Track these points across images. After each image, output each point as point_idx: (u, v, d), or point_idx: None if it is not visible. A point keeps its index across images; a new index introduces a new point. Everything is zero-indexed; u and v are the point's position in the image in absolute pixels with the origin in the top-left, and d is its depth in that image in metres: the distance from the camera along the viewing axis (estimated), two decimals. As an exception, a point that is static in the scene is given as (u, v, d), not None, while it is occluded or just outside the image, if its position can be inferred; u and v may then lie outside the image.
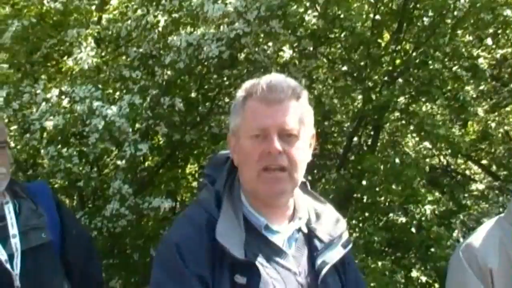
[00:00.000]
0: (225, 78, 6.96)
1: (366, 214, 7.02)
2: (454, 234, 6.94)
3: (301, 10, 6.33)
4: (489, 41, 7.09)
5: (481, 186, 8.42)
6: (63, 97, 6.03)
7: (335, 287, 1.98)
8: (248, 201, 1.92)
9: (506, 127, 8.81)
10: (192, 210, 1.98)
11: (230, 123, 1.96)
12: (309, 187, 2.09)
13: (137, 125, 6.21)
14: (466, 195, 7.93)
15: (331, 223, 2.04)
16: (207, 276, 1.80)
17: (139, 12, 6.46)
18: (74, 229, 3.17)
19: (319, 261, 1.94)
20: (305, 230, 1.99)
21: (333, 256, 1.97)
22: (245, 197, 1.93)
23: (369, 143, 7.34)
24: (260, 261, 1.85)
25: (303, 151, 1.89)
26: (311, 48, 6.65)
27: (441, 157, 8.65)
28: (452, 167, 9.08)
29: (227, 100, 7.12)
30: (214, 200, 1.90)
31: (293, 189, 1.93)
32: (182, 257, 1.80)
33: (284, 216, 1.96)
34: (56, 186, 6.49)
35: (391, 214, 7.06)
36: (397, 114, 7.03)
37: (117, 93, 6.55)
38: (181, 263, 1.80)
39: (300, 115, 1.89)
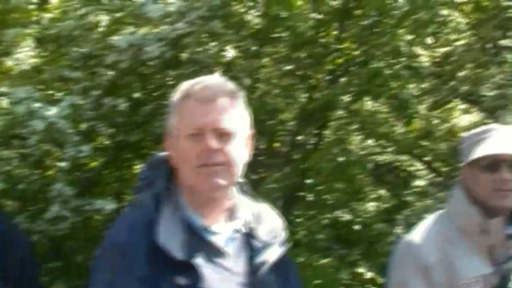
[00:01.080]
0: (169, 78, 6.91)
1: (311, 212, 7.07)
2: (398, 231, 7.06)
3: (243, 10, 6.33)
4: (428, 40, 7.22)
5: (422, 183, 8.57)
6: (2, 98, 5.91)
7: (273, 286, 2.00)
8: (187, 202, 1.93)
9: (447, 124, 8.98)
10: (130, 213, 1.98)
11: (167, 124, 1.97)
12: (245, 188, 2.09)
13: (81, 126, 6.13)
14: (408, 191, 8.06)
15: (269, 222, 2.06)
16: (148, 278, 1.79)
17: (81, 11, 6.37)
18: (10, 232, 3.13)
19: (258, 261, 1.96)
20: (244, 230, 2.01)
21: (271, 255, 1.99)
22: (184, 198, 1.93)
23: (314, 141, 7.39)
24: (200, 262, 1.86)
25: (239, 150, 1.92)
26: (255, 48, 6.66)
27: (385, 155, 8.77)
28: (397, 164, 9.21)
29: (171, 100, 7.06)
30: (152, 202, 1.90)
31: (231, 183, 1.95)
32: (122, 260, 1.81)
33: (223, 217, 1.98)
34: (-6, 189, 6.34)
35: (336, 212, 7.14)
36: (340, 112, 7.10)
37: (59, 94, 6.44)
38: (122, 266, 1.80)
39: (235, 115, 1.92)
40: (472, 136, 2.50)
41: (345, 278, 6.70)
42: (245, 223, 2.02)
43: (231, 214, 2.00)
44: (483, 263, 2.42)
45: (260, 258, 1.97)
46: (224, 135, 1.88)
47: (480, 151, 2.40)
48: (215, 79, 1.96)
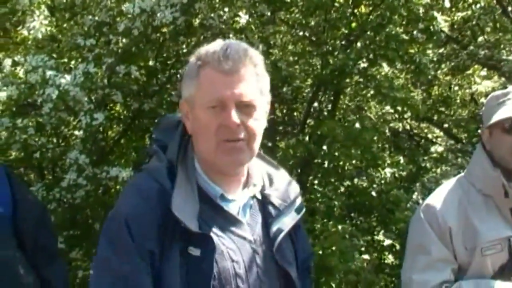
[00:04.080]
0: (183, 46, 6.88)
1: (327, 179, 7.04)
2: (414, 197, 7.02)
3: (256, -26, 6.27)
4: (446, 3, 7.08)
5: (440, 149, 8.50)
6: (17, 67, 5.93)
7: (289, 253, 1.98)
8: (203, 170, 1.88)
9: (467, 90, 8.87)
10: (141, 180, 1.89)
11: (182, 90, 1.91)
12: (261, 153, 2.06)
13: (95, 94, 6.14)
14: (426, 157, 8.00)
15: (284, 188, 2.03)
16: (156, 251, 1.75)
17: (93, -21, 6.34)
18: (25, 201, 3.19)
19: (274, 228, 1.94)
20: (259, 197, 1.98)
21: (287, 222, 1.96)
22: (199, 166, 1.89)
23: (330, 108, 7.33)
24: (215, 231, 1.82)
25: (260, 121, 1.88)
26: (268, 13, 6.59)
27: (403, 121, 8.70)
28: (415, 131, 9.14)
29: (186, 67, 7.05)
30: (165, 169, 1.84)
31: (251, 158, 1.91)
32: (130, 232, 1.75)
33: (239, 184, 1.94)
34: (11, 158, 6.40)
35: (352, 179, 7.10)
36: (356, 78, 7.03)
37: (72, 62, 6.44)
38: (129, 238, 1.75)
39: (257, 84, 1.86)
40: (493, 99, 2.47)
41: (361, 244, 6.68)
42: (260, 189, 1.99)
43: (246, 180, 1.96)
44: (505, 226, 2.40)
45: (276, 226, 1.94)
46: (246, 108, 1.82)
47: (501, 113, 2.37)
48: (235, 45, 1.86)
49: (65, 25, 6.79)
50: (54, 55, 6.05)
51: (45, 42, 6.29)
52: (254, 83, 1.84)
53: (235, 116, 1.78)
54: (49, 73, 5.61)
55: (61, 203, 6.13)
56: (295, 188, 2.07)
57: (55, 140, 6.52)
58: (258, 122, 1.86)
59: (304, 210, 2.05)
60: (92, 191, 6.13)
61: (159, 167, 1.85)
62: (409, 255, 2.52)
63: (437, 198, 2.49)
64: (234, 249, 1.84)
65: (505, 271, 2.37)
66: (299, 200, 2.04)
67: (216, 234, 1.81)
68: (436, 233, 2.40)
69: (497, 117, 2.38)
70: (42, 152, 5.94)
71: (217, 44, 1.86)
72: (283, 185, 2.03)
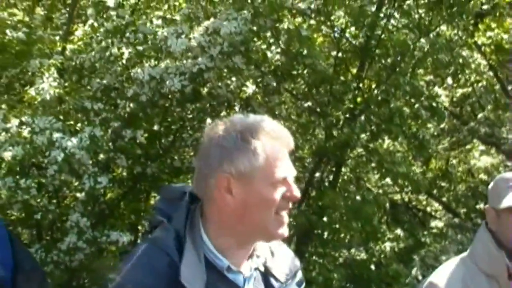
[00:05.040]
0: (188, 112, 6.95)
1: (326, 250, 7.01)
2: (413, 272, 6.98)
3: (264, 46, 6.38)
4: (449, 80, 7.22)
5: (440, 224, 8.50)
6: (23, 127, 5.96)
7: None
8: (210, 241, 1.86)
9: (466, 165, 8.94)
10: (149, 252, 1.84)
11: (228, 163, 1.83)
12: None
13: (99, 157, 6.16)
14: (425, 232, 7.99)
15: (286, 261, 2.03)
16: None
17: (103, 43, 6.44)
18: (27, 265, 3.12)
19: None
20: (262, 269, 1.96)
21: None
22: (207, 236, 1.87)
23: (331, 179, 7.36)
24: None
25: None
26: (275, 84, 6.69)
27: (403, 194, 8.72)
28: (414, 203, 9.16)
29: (190, 133, 7.11)
30: (173, 240, 1.82)
31: None
32: None
33: (245, 256, 1.93)
34: (12, 218, 6.37)
35: (351, 250, 7.07)
36: (359, 150, 7.08)
37: (78, 124, 6.48)
38: None
39: None
40: (503, 181, 2.47)
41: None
42: (263, 261, 1.98)
43: (251, 252, 1.96)
44: None
45: None
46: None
47: None
48: (282, 127, 1.88)
49: (72, 87, 6.85)
50: (61, 117, 6.08)
51: (53, 104, 6.33)
52: None
53: (296, 188, 1.84)
54: (55, 135, 5.64)
55: (59, 265, 6.07)
56: (296, 262, 2.06)
57: (55, 201, 6.49)
58: None
59: (304, 284, 2.06)
60: (91, 254, 6.07)
61: (166, 238, 1.83)
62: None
63: (441, 276, 2.48)
64: None
65: None
66: (300, 274, 2.05)
67: None
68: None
69: (508, 202, 2.39)
70: (42, 213, 5.90)
71: (266, 123, 1.85)
72: (284, 258, 2.03)
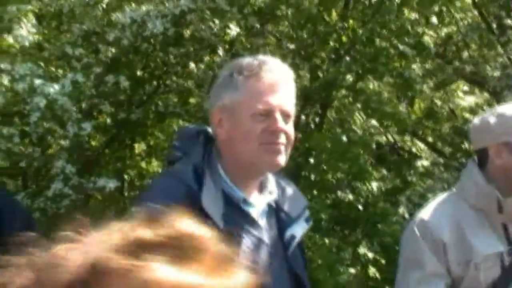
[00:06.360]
0: (171, 56, 6.85)
1: (314, 192, 7.03)
2: (400, 210, 7.04)
3: (247, -13, 6.27)
4: (434, 19, 7.15)
5: (426, 163, 8.55)
6: (3, 75, 5.85)
7: (301, 260, 2.10)
8: (227, 175, 1.97)
9: (451, 105, 8.94)
10: (167, 182, 1.97)
11: (215, 99, 2.01)
12: None
13: (82, 104, 6.08)
14: (411, 172, 8.04)
15: (295, 199, 2.14)
16: None
17: (81, -12, 6.29)
18: (10, 210, 3.11)
19: (288, 234, 2.04)
20: (273, 204, 2.07)
21: (299, 230, 2.08)
22: (223, 172, 1.97)
23: (317, 121, 7.34)
24: (238, 232, 1.89)
25: (293, 131, 2.01)
26: (258, 26, 6.60)
27: (388, 135, 8.73)
28: (399, 144, 9.18)
29: (174, 78, 7.03)
30: (192, 172, 1.92)
31: (285, 163, 2.00)
32: None
33: (256, 191, 2.04)
34: (-4, 166, 6.31)
35: (338, 192, 7.10)
36: (344, 92, 7.04)
37: (60, 71, 6.38)
38: None
39: (293, 97, 2.01)
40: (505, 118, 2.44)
41: (347, 258, 6.68)
42: (275, 198, 2.09)
43: (262, 188, 2.06)
44: (498, 241, 2.41)
45: (289, 232, 2.05)
46: (286, 117, 1.95)
47: None
48: (275, 61, 2.02)
49: (51, 34, 6.72)
50: (41, 64, 5.97)
51: (32, 51, 6.21)
52: (291, 95, 2.00)
53: (281, 123, 1.91)
54: (36, 82, 5.55)
55: (45, 212, 6.04)
56: (303, 199, 2.20)
57: (39, 149, 6.42)
58: (293, 130, 2.00)
59: (311, 221, 2.17)
60: (77, 200, 6.05)
61: (185, 170, 1.94)
62: (403, 269, 2.52)
63: (430, 213, 2.49)
64: (253, 250, 1.94)
65: (497, 286, 2.39)
66: (307, 211, 2.15)
67: (238, 234, 1.89)
68: (430, 247, 2.40)
69: None
70: (27, 160, 5.85)
71: (254, 59, 2.00)
72: (293, 195, 2.14)
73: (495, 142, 2.44)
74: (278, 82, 1.95)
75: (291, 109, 1.98)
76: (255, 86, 1.95)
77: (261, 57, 2.04)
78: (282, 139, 1.94)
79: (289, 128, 1.97)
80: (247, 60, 2.02)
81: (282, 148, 1.95)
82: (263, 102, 1.93)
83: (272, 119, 1.92)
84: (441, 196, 2.60)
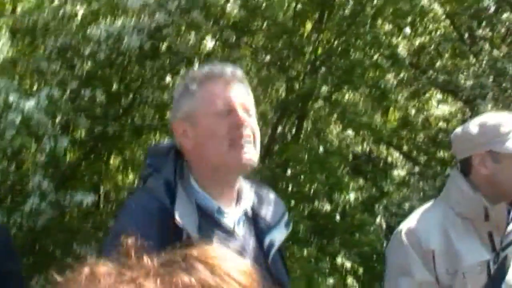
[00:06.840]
0: (147, 70, 6.84)
1: (292, 203, 7.05)
2: (377, 220, 7.08)
3: (222, 1, 6.28)
4: (407, 30, 7.23)
5: (402, 173, 8.61)
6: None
7: (281, 267, 2.06)
8: (200, 186, 1.96)
9: (425, 113, 9.02)
10: (141, 198, 1.98)
11: (175, 111, 2.02)
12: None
13: (58, 119, 6.04)
14: (388, 181, 8.10)
15: (273, 204, 2.12)
16: None
17: (56, 1, 6.26)
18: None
19: (267, 241, 2.02)
20: (250, 212, 2.06)
21: (278, 235, 2.05)
22: (196, 182, 1.97)
23: (293, 132, 7.37)
24: (213, 243, 1.82)
25: (257, 125, 2.00)
26: (234, 39, 6.62)
27: (364, 145, 8.79)
28: (375, 154, 9.25)
29: (150, 91, 7.01)
30: (163, 187, 1.92)
31: (257, 162, 1.98)
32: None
33: (232, 199, 2.02)
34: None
35: (316, 202, 7.12)
36: (320, 103, 7.08)
37: (35, 86, 6.33)
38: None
39: (250, 94, 2.02)
40: (498, 126, 2.45)
41: (325, 268, 6.70)
42: (251, 205, 2.07)
43: (238, 196, 2.05)
44: (484, 249, 2.43)
45: (268, 239, 2.03)
46: (247, 112, 1.96)
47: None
48: (224, 65, 2.05)
49: (25, 49, 6.67)
50: (16, 79, 5.92)
51: (7, 65, 6.16)
52: (248, 93, 2.02)
53: (244, 115, 1.92)
54: (11, 97, 5.50)
55: (22, 228, 5.98)
56: (281, 204, 2.17)
57: (14, 164, 6.36)
58: (257, 125, 1.99)
59: (291, 226, 2.14)
60: (55, 216, 6.00)
61: (156, 186, 1.94)
62: (392, 278, 2.52)
63: (418, 221, 2.50)
64: None
65: (484, 293, 2.41)
66: (286, 216, 2.13)
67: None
68: (419, 256, 2.41)
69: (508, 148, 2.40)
70: (2, 176, 5.79)
71: (207, 67, 2.04)
72: (271, 201, 2.12)
73: (479, 151, 2.46)
74: (232, 81, 1.98)
75: (251, 104, 1.99)
76: (211, 88, 1.97)
77: (210, 64, 2.09)
78: (249, 131, 1.94)
79: (253, 122, 1.97)
80: (197, 69, 2.09)
81: (251, 142, 1.95)
82: (223, 99, 1.94)
83: (234, 114, 1.93)
84: (427, 205, 2.61)
